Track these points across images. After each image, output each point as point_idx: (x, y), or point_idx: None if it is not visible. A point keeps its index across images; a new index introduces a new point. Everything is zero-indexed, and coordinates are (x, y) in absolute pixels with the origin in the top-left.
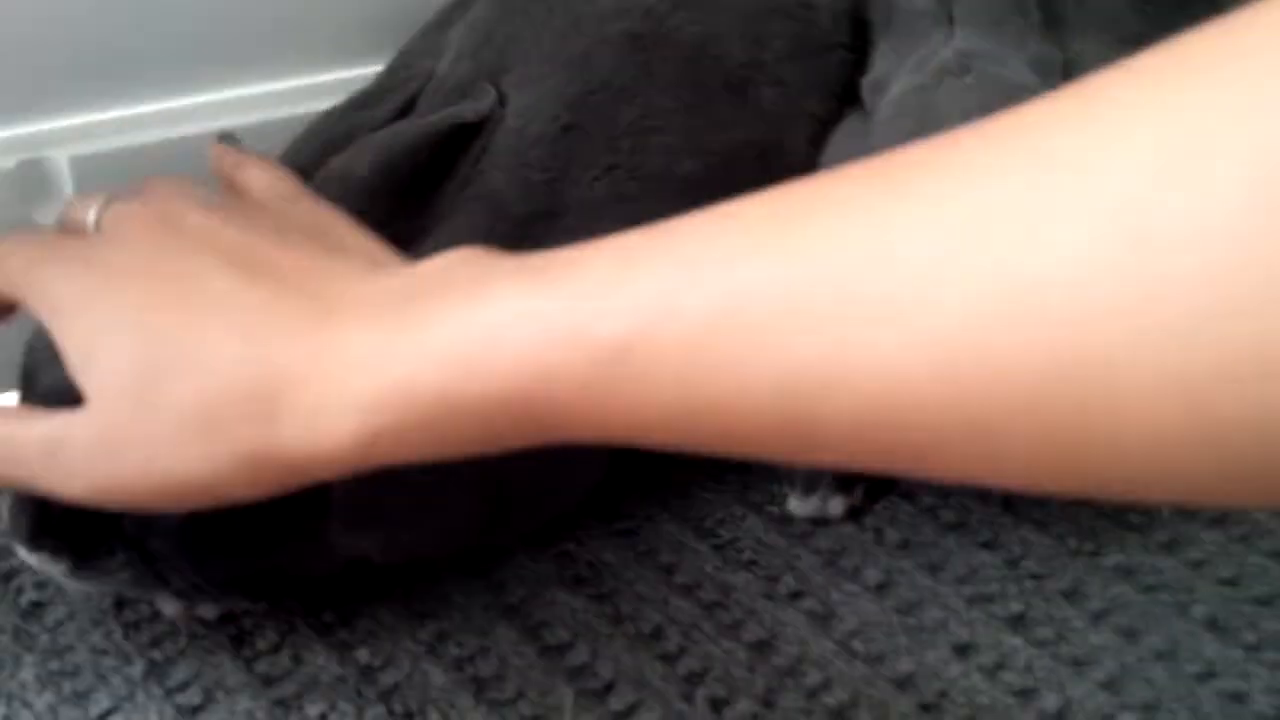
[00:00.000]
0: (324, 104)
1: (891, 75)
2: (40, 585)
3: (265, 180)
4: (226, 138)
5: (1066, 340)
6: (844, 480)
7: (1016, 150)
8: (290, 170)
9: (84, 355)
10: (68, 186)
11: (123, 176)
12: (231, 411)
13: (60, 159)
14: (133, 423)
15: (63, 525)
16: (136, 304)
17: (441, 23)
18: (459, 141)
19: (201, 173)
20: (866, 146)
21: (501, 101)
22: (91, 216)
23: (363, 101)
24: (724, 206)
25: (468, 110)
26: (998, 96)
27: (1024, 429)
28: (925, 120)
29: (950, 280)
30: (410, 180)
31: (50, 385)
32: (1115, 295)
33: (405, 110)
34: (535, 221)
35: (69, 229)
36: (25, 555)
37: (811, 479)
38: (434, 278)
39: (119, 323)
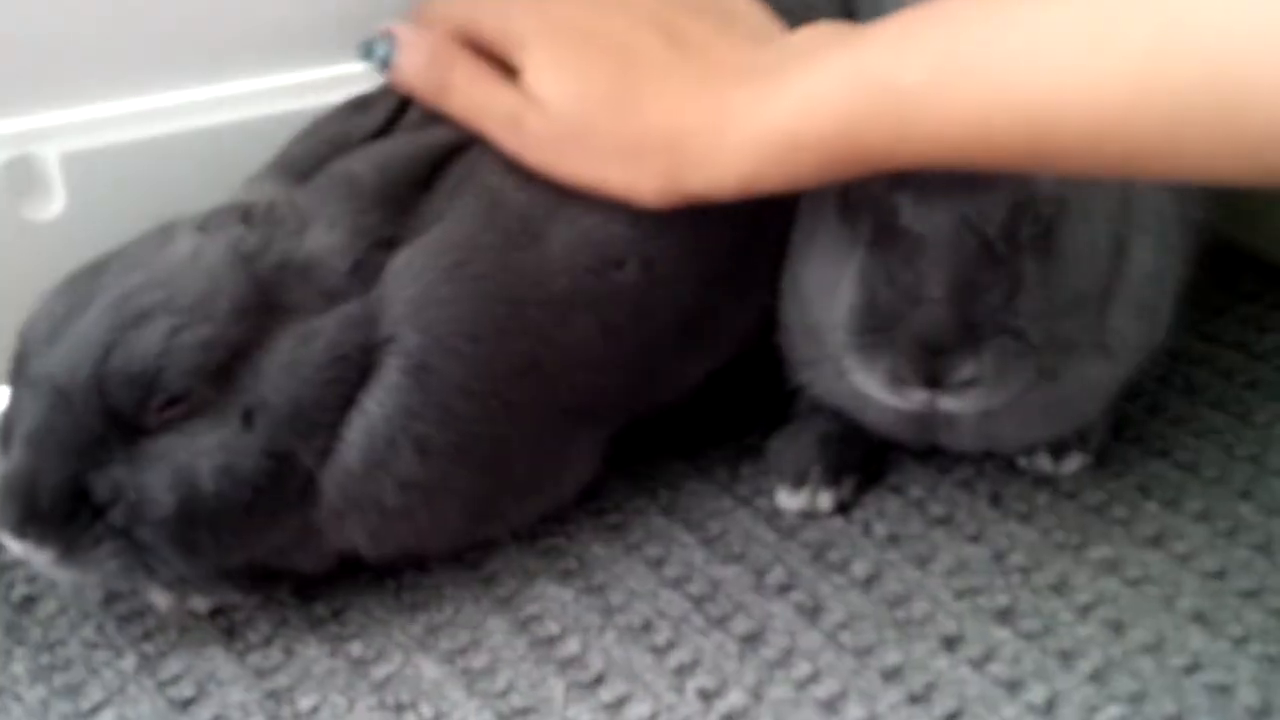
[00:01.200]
0: (314, 100)
1: None
2: (32, 579)
3: None
4: None
5: (1221, 55)
6: (833, 474)
7: None
8: (289, 165)
9: (544, 75)
10: (57, 183)
11: (113, 172)
12: (651, 151)
13: (50, 155)
14: (575, 136)
15: (50, 514)
16: (585, 50)
17: None
18: (457, 150)
19: (193, 168)
20: None
21: None
22: None
23: (357, 104)
24: None
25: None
26: None
27: (1200, 128)
28: None
29: (1136, 18)
30: (409, 188)
31: (40, 371)
32: (1249, 18)
33: (400, 111)
34: (534, 213)
35: None
36: (10, 543)
37: (800, 473)
38: (793, 49)
39: (575, 61)
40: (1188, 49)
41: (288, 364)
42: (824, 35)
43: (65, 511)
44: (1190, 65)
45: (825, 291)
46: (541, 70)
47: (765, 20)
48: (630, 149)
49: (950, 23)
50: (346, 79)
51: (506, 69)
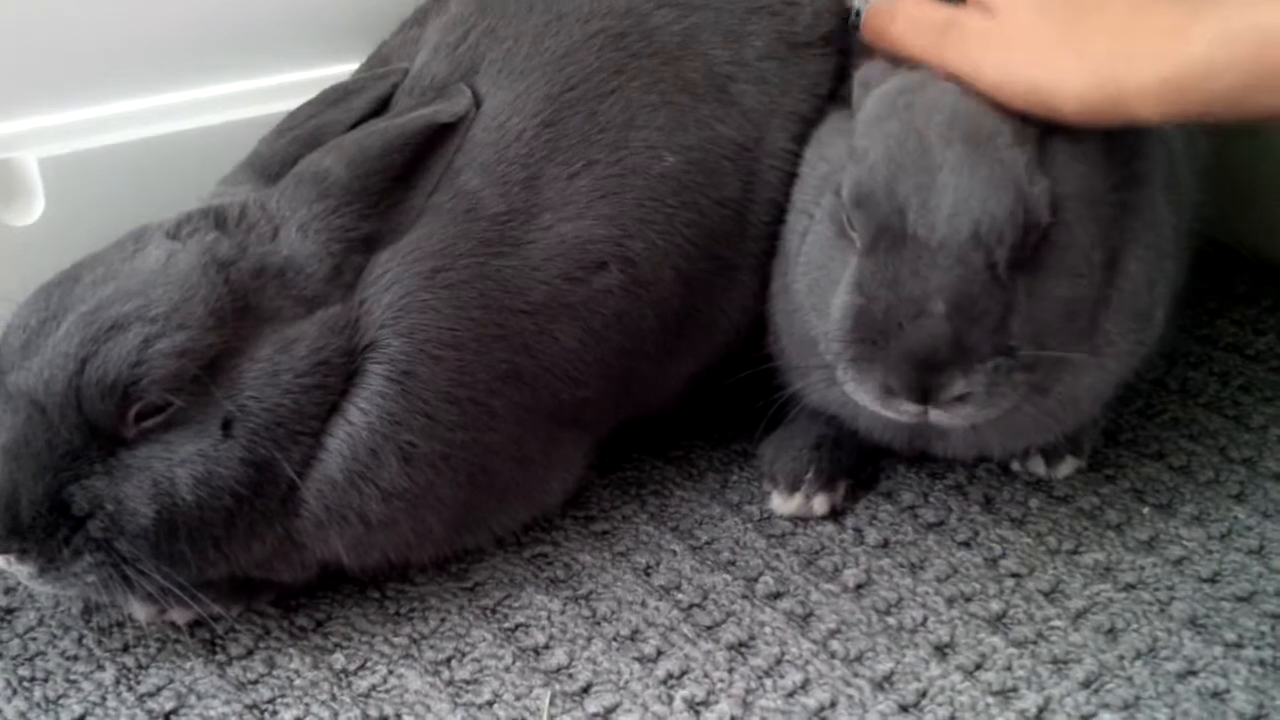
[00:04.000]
0: (295, 103)
1: (881, 74)
2: (10, 591)
3: None
4: None
5: None
6: (827, 479)
7: None
8: (261, 166)
9: None
10: (37, 187)
11: (93, 177)
12: (1093, 51)
13: (29, 160)
14: (1019, 32)
15: (30, 528)
16: None
17: (418, 19)
18: (433, 142)
19: (174, 171)
20: (850, 145)
21: (478, 102)
22: None
23: (333, 98)
24: None
25: (443, 112)
26: (983, 98)
27: None
28: (910, 119)
29: None
30: (384, 180)
31: (16, 385)
32: None
33: (380, 109)
34: (512, 220)
35: None
36: None
37: (795, 478)
38: None
39: None
40: None
41: (268, 371)
42: None
43: (46, 525)
44: None
45: (818, 297)
46: None
47: None
48: (1073, 47)
49: None
50: (332, 81)
51: None
